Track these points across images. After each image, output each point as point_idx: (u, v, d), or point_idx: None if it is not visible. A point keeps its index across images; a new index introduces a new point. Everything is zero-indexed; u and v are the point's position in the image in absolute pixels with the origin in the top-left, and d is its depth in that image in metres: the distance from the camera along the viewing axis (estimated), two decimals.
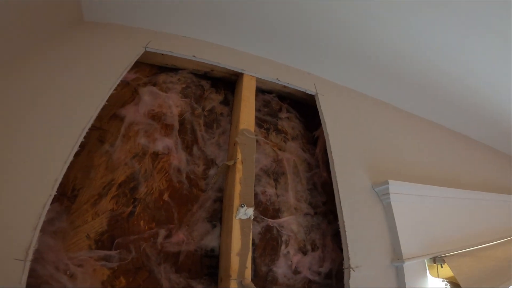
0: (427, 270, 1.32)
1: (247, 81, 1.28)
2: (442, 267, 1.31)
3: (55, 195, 0.90)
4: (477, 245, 1.53)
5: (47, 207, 0.85)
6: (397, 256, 1.25)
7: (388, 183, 1.29)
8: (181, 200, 1.11)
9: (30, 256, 0.78)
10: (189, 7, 1.24)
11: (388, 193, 1.30)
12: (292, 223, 1.28)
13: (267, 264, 1.19)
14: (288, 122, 1.41)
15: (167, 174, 1.12)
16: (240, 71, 1.31)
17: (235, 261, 0.96)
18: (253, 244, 1.16)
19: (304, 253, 1.28)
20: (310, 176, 1.37)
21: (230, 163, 1.09)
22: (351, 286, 1.10)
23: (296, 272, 1.24)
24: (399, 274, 1.23)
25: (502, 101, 1.98)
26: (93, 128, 1.04)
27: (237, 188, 1.04)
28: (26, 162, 0.90)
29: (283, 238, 1.25)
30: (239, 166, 1.08)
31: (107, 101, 1.06)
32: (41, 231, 0.86)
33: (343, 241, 1.17)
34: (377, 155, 1.55)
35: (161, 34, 1.31)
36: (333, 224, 1.35)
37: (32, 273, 0.82)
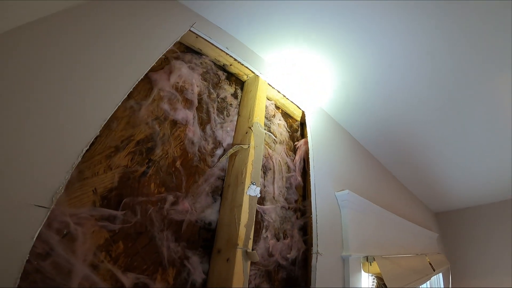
0: (361, 266, 1.57)
1: (261, 83, 1.35)
2: (371, 265, 1.57)
3: None
4: (395, 254, 1.89)
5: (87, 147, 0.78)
6: (345, 250, 1.45)
7: (347, 192, 1.52)
8: (191, 171, 1.09)
9: (53, 203, 0.69)
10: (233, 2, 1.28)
11: (345, 200, 1.53)
12: (272, 212, 1.35)
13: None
14: (278, 128, 1.54)
15: (182, 143, 1.09)
16: (258, 74, 1.38)
17: (242, 232, 0.99)
18: None
19: (278, 239, 1.36)
20: (288, 177, 1.51)
21: (245, 146, 1.14)
22: (317, 267, 1.25)
23: (270, 255, 1.31)
24: (345, 265, 1.43)
25: (446, 171, 2.45)
26: None
27: (249, 169, 1.08)
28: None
29: (265, 224, 1.30)
30: (251, 150, 1.13)
31: None
32: None
33: (313, 232, 1.32)
34: (341, 172, 1.77)
35: (202, 19, 1.31)
36: (300, 220, 1.47)
37: None
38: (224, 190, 1.15)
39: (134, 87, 0.99)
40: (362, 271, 1.51)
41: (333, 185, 1.58)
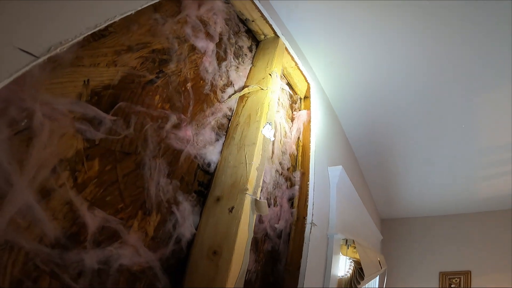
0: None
1: (281, 44, 1.23)
2: (348, 248, 1.49)
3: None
4: (367, 246, 1.86)
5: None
6: (331, 228, 1.34)
7: (340, 168, 1.43)
8: (200, 97, 0.87)
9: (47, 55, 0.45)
10: None
11: (337, 176, 1.42)
12: (268, 172, 1.16)
13: None
14: (282, 93, 1.40)
15: (196, 68, 0.88)
16: (279, 34, 1.26)
17: (253, 175, 0.78)
18: None
19: (269, 205, 1.17)
20: (285, 142, 1.36)
21: (263, 87, 0.96)
22: (311, 238, 1.09)
23: (260, 221, 1.12)
24: (329, 243, 1.31)
25: (406, 176, 2.51)
26: None
27: (266, 109, 0.90)
28: None
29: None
30: (269, 94, 0.95)
31: None
32: None
33: (309, 202, 1.18)
34: (333, 152, 1.71)
35: None
36: (290, 190, 1.31)
37: None
38: (231, 129, 0.94)
39: (162, 4, 0.79)
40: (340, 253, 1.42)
41: (327, 160, 1.48)
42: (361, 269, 1.34)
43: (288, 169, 1.35)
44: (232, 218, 0.72)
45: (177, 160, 0.75)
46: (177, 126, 0.76)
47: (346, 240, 1.43)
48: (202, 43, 0.90)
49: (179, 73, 0.81)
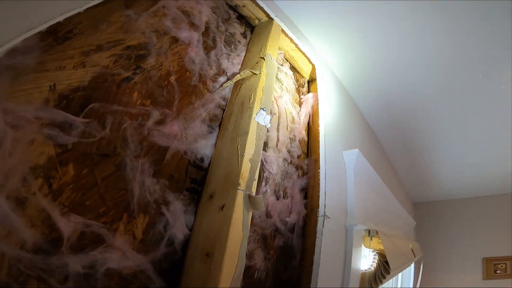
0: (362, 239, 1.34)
1: (275, 26, 1.12)
2: (372, 239, 1.35)
3: (43, 34, 0.54)
4: (395, 235, 1.70)
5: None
6: (350, 219, 1.22)
7: (356, 151, 1.27)
8: (187, 90, 0.79)
9: None
10: None
11: (353, 161, 1.26)
12: (274, 162, 1.06)
13: None
14: (285, 77, 1.27)
15: (181, 60, 0.80)
16: (272, 16, 1.14)
17: (246, 167, 0.69)
18: None
19: (277, 197, 1.05)
20: (293, 128, 1.23)
21: (256, 71, 0.86)
22: (324, 232, 0.99)
23: (268, 215, 1.02)
24: (348, 236, 1.19)
25: (438, 158, 2.26)
26: None
27: (259, 94, 0.79)
28: None
29: (265, 174, 1.01)
30: (263, 77, 0.84)
31: None
32: None
33: (321, 191, 1.05)
34: (348, 133, 1.54)
35: None
36: (301, 179, 1.18)
37: None
38: (225, 119, 0.85)
39: (135, 0, 0.73)
40: (363, 245, 1.29)
41: (341, 144, 1.34)
42: (386, 262, 1.20)
43: (298, 156, 1.24)
44: (223, 216, 0.64)
45: (163, 158, 0.69)
46: (161, 122, 0.70)
47: (369, 231, 1.30)
48: (185, 34, 0.82)
49: (160, 67, 0.73)
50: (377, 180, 1.52)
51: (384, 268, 1.19)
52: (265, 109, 0.77)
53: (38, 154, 0.51)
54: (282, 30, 1.15)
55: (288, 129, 1.21)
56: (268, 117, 0.78)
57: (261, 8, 1.09)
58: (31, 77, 0.52)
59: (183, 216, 0.70)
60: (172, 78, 0.75)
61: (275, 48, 1.03)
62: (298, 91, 1.35)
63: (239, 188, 0.65)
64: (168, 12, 0.81)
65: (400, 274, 2.63)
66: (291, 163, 1.20)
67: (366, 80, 1.64)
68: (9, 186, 0.47)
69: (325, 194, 1.03)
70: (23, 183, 0.48)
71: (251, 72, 0.86)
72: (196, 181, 0.77)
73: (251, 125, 0.73)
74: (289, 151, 1.22)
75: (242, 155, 0.69)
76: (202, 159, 0.80)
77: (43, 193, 0.50)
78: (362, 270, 1.20)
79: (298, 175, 1.24)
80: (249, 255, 0.88)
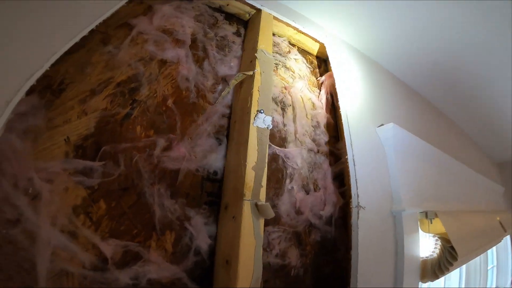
0: (418, 224, 1.19)
1: (265, 16, 1.05)
2: (431, 222, 1.18)
3: (36, 88, 0.61)
4: (468, 212, 1.44)
5: (21, 94, 0.56)
6: (396, 204, 1.09)
7: (391, 126, 1.08)
8: (186, 109, 0.82)
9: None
10: None
11: (390, 137, 1.09)
12: (297, 156, 1.02)
13: (271, 197, 0.90)
14: (296, 63, 1.18)
15: (173, 81, 0.83)
16: (259, 6, 1.07)
17: (250, 177, 0.68)
18: None
19: (307, 192, 1.01)
20: (314, 114, 1.14)
21: (249, 73, 0.83)
22: (359, 225, 0.91)
23: (299, 212, 0.98)
24: (397, 223, 1.06)
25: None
26: (97, 31, 0.75)
27: (255, 95, 0.77)
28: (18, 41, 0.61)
29: (288, 171, 0.98)
30: (257, 77, 0.81)
31: (118, 11, 0.79)
32: (7, 128, 0.56)
33: (352, 179, 0.96)
34: (379, 106, 1.34)
35: None
36: (333, 166, 1.10)
37: None
38: (231, 128, 0.85)
39: (112, 34, 0.78)
40: (420, 230, 1.13)
41: (372, 120, 1.20)
42: (452, 247, 1.03)
43: (327, 142, 1.16)
44: (235, 226, 0.66)
45: (176, 179, 0.75)
46: (167, 148, 0.75)
47: (426, 213, 1.13)
48: (171, 53, 0.84)
49: (155, 94, 0.78)
50: (431, 151, 1.29)
51: (450, 255, 1.03)
52: (262, 111, 0.74)
53: (74, 197, 0.61)
54: (276, 18, 1.07)
55: (309, 116, 1.14)
56: (269, 117, 0.75)
57: (245, 2, 1.03)
58: (47, 136, 0.62)
59: (205, 228, 0.75)
60: (169, 102, 0.79)
61: (268, 40, 0.96)
62: (314, 73, 1.24)
63: (244, 198, 0.66)
64: (147, 36, 0.84)
65: (494, 249, 2.22)
66: (318, 152, 1.13)
67: (392, 45, 1.40)
68: (60, 224, 0.58)
69: (356, 182, 0.94)
70: (70, 220, 0.59)
71: (244, 74, 0.84)
72: (213, 193, 0.80)
73: (251, 131, 0.72)
74: (314, 140, 1.15)
75: (245, 165, 0.69)
76: (215, 172, 0.82)
77: (87, 225, 0.61)
78: (422, 258, 1.06)
79: (330, 162, 1.16)
80: (282, 254, 0.88)
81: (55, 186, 0.60)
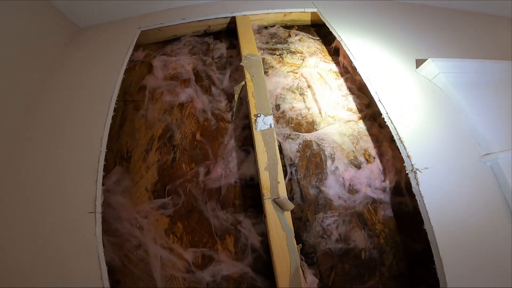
0: None
1: (240, 20, 1.09)
2: None
3: (116, 160, 0.92)
4: None
5: (102, 161, 0.84)
6: (485, 149, 0.81)
7: (431, 61, 0.84)
8: (212, 136, 0.98)
9: (99, 208, 0.76)
10: None
11: (439, 73, 0.85)
12: (333, 134, 0.98)
13: (314, 185, 0.92)
14: (301, 43, 1.12)
15: (194, 117, 1.01)
16: (230, 15, 1.12)
17: (265, 177, 0.76)
18: (292, 164, 0.93)
19: (358, 166, 0.96)
20: (341, 83, 1.06)
21: (241, 84, 0.91)
22: (422, 192, 0.76)
23: (352, 191, 0.93)
24: (496, 171, 0.79)
25: None
26: (127, 101, 1.04)
27: (252, 101, 0.84)
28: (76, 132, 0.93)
29: (327, 152, 0.96)
30: (249, 83, 0.87)
31: (131, 78, 1.06)
32: (111, 192, 0.87)
33: (397, 142, 0.83)
34: (401, 44, 1.09)
35: (150, 15, 1.23)
36: (386, 127, 0.93)
37: (115, 232, 0.84)
38: (253, 137, 0.96)
39: (138, 98, 1.04)
40: None
41: (404, 63, 0.95)
42: None
43: (368, 105, 1.03)
44: (266, 223, 0.75)
45: (220, 194, 0.92)
46: (207, 173, 0.92)
47: None
48: (184, 95, 1.02)
49: (186, 135, 0.98)
50: (493, 68, 0.87)
51: None
52: (260, 114, 0.79)
53: (162, 224, 0.88)
54: (255, 14, 1.08)
55: (334, 88, 1.06)
56: (269, 117, 0.79)
57: (219, 17, 1.11)
58: (135, 189, 0.91)
59: (254, 228, 0.87)
60: (198, 136, 0.97)
61: (250, 42, 0.99)
62: (325, 41, 1.13)
63: (264, 198, 0.74)
64: (160, 89, 1.05)
65: None
66: (360, 119, 1.02)
67: None
68: (159, 243, 0.85)
69: (401, 141, 0.79)
70: (165, 240, 0.86)
71: (238, 86, 0.91)
72: (255, 197, 0.91)
73: (255, 136, 0.79)
74: (349, 109, 1.05)
75: (258, 169, 0.77)
76: (252, 178, 0.93)
77: (175, 241, 0.86)
78: None
79: (380, 124, 1.01)
80: (344, 239, 0.87)
81: (150, 219, 0.88)
